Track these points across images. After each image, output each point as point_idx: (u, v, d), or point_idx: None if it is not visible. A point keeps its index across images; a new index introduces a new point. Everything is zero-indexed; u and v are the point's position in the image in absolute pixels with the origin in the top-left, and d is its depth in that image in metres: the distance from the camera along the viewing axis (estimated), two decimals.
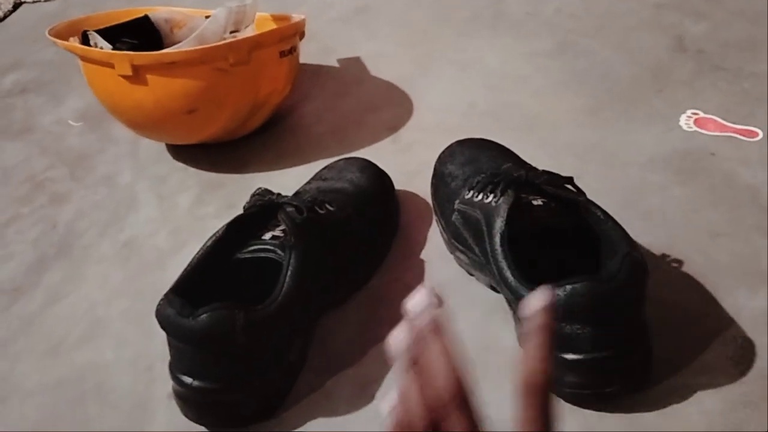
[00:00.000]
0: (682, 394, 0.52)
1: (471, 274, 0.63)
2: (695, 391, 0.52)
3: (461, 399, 0.32)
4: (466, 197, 0.61)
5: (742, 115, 0.79)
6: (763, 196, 0.69)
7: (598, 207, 0.55)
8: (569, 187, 0.57)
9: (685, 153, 0.75)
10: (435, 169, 0.70)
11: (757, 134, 0.76)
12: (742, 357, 0.54)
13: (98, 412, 0.57)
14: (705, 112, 0.81)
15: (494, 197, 0.56)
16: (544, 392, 0.31)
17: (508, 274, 0.52)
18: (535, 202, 0.57)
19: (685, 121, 0.79)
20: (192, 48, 0.73)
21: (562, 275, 0.49)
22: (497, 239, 0.53)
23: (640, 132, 0.79)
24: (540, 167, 0.61)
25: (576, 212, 0.56)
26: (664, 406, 0.51)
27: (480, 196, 0.58)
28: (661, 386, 0.53)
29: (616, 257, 0.49)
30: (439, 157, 0.70)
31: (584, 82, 0.89)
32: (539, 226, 0.56)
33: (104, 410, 0.57)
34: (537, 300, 0.32)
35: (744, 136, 0.76)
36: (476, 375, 0.50)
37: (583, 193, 0.57)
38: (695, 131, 0.78)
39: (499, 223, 0.54)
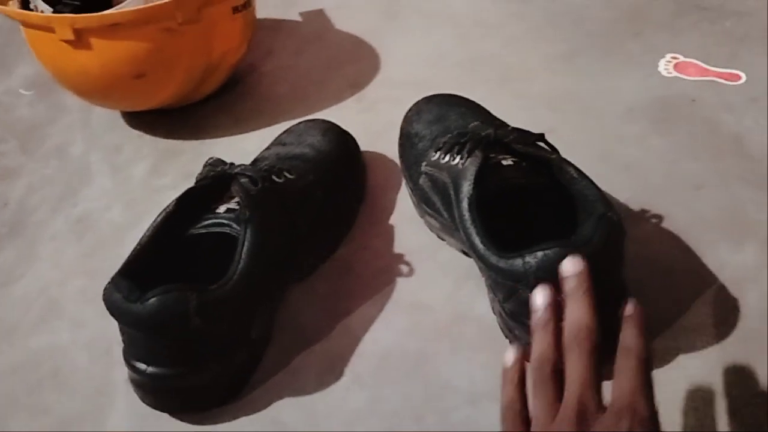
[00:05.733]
0: (663, 357, 0.50)
1: (442, 239, 0.60)
2: (677, 355, 0.50)
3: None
4: (433, 159, 0.57)
5: (724, 57, 0.76)
6: (747, 144, 0.65)
7: (572, 165, 0.51)
8: (541, 144, 0.53)
9: (664, 100, 0.72)
10: (401, 129, 0.66)
11: (739, 77, 0.73)
12: (726, 317, 0.52)
13: (56, 398, 0.54)
14: (685, 56, 0.77)
15: (461, 159, 0.52)
16: (597, 349, 0.38)
17: (477, 241, 0.49)
18: (505, 162, 0.53)
19: (665, 66, 0.76)
20: (136, 7, 0.68)
21: (536, 238, 0.45)
22: (465, 204, 0.50)
23: (618, 79, 0.76)
24: (514, 121, 0.57)
25: (549, 171, 0.52)
26: None
27: (447, 158, 0.54)
28: None
29: (591, 219, 0.46)
30: (406, 116, 0.66)
31: (558, 27, 0.85)
32: (510, 188, 0.52)
33: (62, 396, 0.54)
34: (574, 265, 0.40)
35: (726, 80, 0.73)
36: (448, 346, 0.48)
37: (556, 151, 0.53)
38: (675, 77, 0.75)
39: (466, 187, 0.50)
